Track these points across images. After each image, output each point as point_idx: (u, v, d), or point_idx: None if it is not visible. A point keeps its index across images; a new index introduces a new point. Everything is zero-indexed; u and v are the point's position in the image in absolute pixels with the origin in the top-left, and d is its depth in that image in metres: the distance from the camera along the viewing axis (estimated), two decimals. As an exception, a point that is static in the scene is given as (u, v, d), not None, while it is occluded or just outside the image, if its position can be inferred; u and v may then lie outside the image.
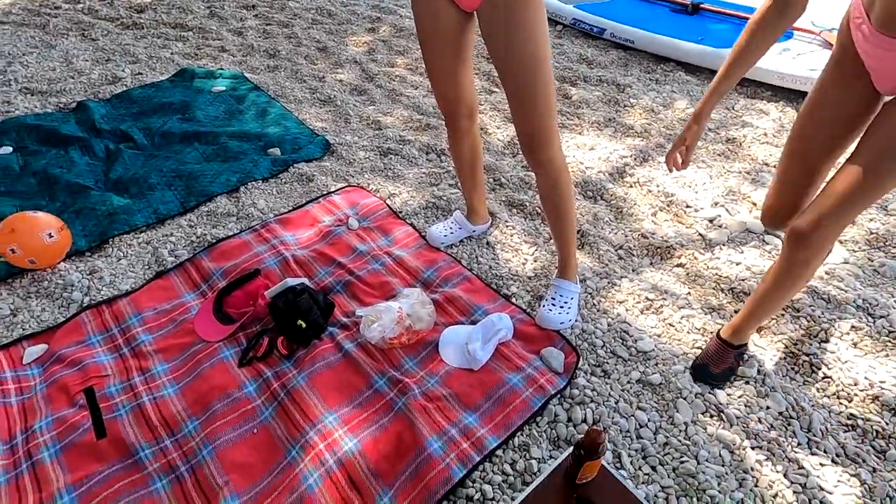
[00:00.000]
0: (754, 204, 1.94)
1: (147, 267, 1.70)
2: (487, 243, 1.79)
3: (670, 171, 1.25)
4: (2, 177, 2.04)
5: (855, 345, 1.45)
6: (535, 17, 1.16)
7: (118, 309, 1.53)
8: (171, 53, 3.06)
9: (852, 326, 1.49)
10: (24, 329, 1.49)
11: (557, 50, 3.20)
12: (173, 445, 1.20)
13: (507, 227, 1.85)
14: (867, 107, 1.08)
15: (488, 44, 1.22)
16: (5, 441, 1.21)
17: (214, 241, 1.77)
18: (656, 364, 1.40)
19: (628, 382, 1.35)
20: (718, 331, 1.38)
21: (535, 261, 1.73)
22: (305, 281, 1.56)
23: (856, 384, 1.34)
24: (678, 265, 1.71)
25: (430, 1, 1.25)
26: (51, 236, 1.61)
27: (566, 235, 1.45)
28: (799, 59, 2.67)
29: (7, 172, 2.06)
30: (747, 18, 3.06)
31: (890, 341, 1.44)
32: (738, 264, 1.69)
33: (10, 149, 2.20)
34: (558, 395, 1.31)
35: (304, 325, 1.40)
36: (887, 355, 1.41)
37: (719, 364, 1.35)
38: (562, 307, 1.48)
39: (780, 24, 1.01)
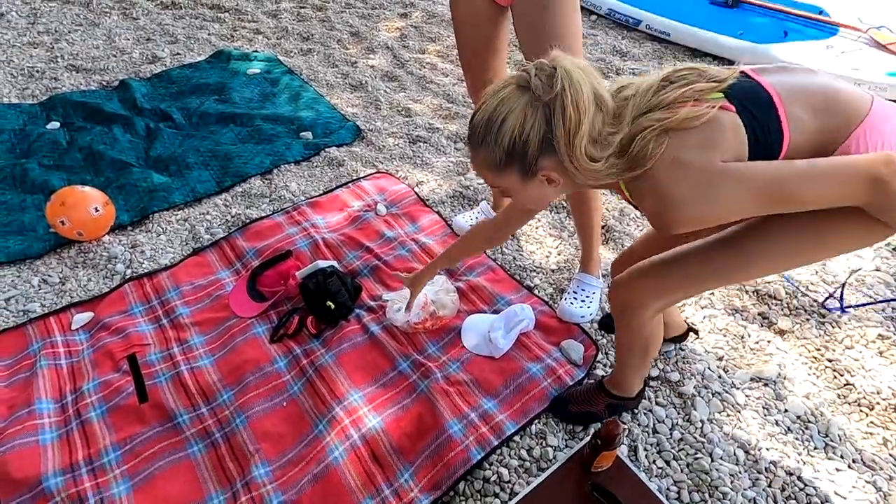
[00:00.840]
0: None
1: (184, 243, 1.78)
2: (512, 235, 1.81)
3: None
4: (50, 151, 2.14)
5: (881, 353, 1.44)
6: (570, 18, 1.17)
7: (158, 282, 1.61)
8: (208, 34, 3.12)
9: (879, 335, 1.47)
10: (71, 297, 1.58)
11: (591, 41, 3.16)
12: (209, 413, 1.28)
13: (532, 219, 1.86)
14: None
15: (520, 39, 1.24)
16: (56, 400, 1.30)
17: (248, 220, 1.84)
18: (676, 362, 1.42)
19: (647, 378, 1.38)
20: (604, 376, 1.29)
21: (559, 254, 1.74)
22: (335, 263, 1.61)
23: (878, 393, 1.34)
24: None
25: None
26: (97, 210, 1.70)
27: (589, 230, 1.46)
28: (843, 58, 2.58)
29: (55, 147, 2.16)
30: (789, 13, 2.98)
31: (917, 351, 1.43)
32: (764, 266, 1.68)
33: (58, 124, 2.29)
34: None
35: (332, 306, 1.46)
36: (913, 365, 1.40)
37: (583, 404, 1.25)
38: (583, 301, 1.50)
39: (496, 237, 1.20)
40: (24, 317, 1.52)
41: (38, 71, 2.70)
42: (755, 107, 0.79)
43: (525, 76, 0.80)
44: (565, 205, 1.92)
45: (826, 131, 0.79)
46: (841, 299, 1.54)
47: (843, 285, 1.55)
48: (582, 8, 3.54)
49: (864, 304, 1.55)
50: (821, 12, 2.98)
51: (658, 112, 0.78)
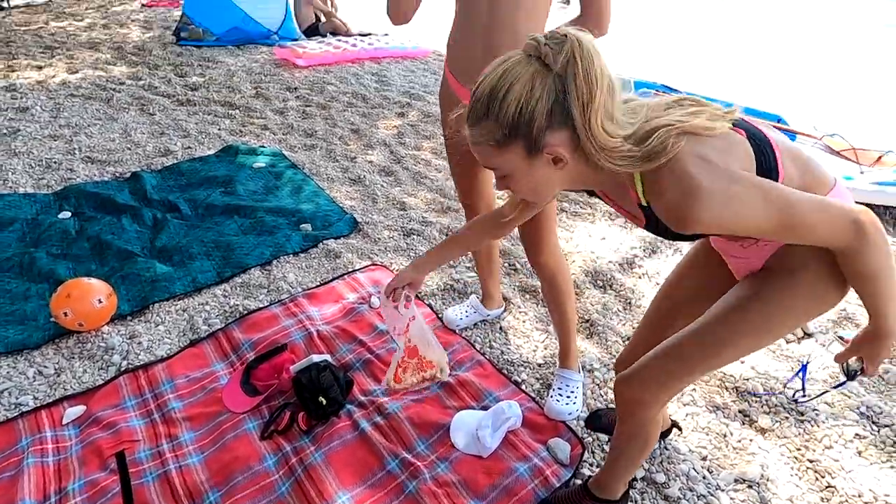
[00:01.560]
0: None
1: (182, 334, 1.83)
2: (500, 328, 1.88)
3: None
4: (59, 240, 2.24)
5: (859, 453, 1.47)
6: None
7: (153, 374, 1.64)
8: (219, 130, 3.37)
9: (856, 434, 1.51)
10: (65, 389, 1.60)
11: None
12: (194, 516, 1.26)
13: (520, 312, 1.95)
14: (730, 285, 1.02)
15: None
16: (39, 501, 1.28)
17: (246, 312, 1.90)
18: (661, 462, 1.44)
19: (633, 479, 1.39)
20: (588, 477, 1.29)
21: (546, 348, 1.81)
22: (328, 357, 1.66)
23: (860, 496, 1.36)
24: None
25: (452, 104, 1.43)
26: (100, 301, 1.76)
27: (564, 326, 1.54)
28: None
29: (65, 236, 2.26)
30: (773, 125, 3.30)
31: (895, 451, 1.47)
32: (742, 363, 1.75)
33: (69, 213, 2.41)
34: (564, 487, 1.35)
35: (324, 401, 1.49)
36: (892, 466, 1.43)
37: None
38: (568, 397, 1.55)
39: (496, 231, 1.17)
40: (16, 410, 1.52)
41: (55, 162, 2.88)
42: (758, 141, 0.82)
43: (533, 44, 0.75)
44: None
45: (805, 188, 0.83)
46: (803, 388, 1.60)
47: (803, 371, 1.62)
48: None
49: (821, 394, 1.60)
50: (779, 120, 3.30)
51: (676, 113, 0.77)
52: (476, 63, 1.26)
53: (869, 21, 9.89)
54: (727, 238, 0.95)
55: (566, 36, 0.74)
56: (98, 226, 2.33)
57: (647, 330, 1.22)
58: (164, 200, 2.55)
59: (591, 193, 1.00)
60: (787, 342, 1.86)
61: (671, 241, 1.06)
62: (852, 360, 0.96)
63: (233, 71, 4.45)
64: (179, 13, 5.67)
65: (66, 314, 1.71)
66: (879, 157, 2.73)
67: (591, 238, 2.42)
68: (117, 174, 2.80)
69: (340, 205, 2.59)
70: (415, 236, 2.39)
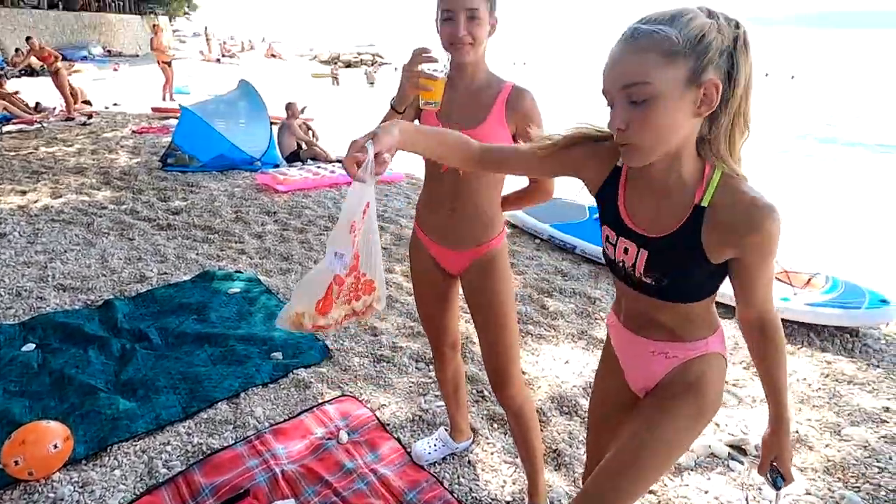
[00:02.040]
0: (717, 425, 2.10)
1: (139, 479, 1.75)
2: (469, 461, 1.88)
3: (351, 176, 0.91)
4: (19, 375, 2.19)
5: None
6: (506, 286, 1.48)
7: (102, 529, 1.54)
8: (197, 255, 3.48)
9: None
10: (2, 551, 1.48)
11: (536, 262, 3.68)
12: None
13: (487, 444, 1.96)
14: (634, 399, 1.10)
15: (468, 300, 1.53)
16: None
17: (209, 451, 1.85)
18: None
19: None
20: None
21: (514, 482, 1.80)
22: (292, 502, 1.61)
23: None
24: (650, 492, 1.79)
25: (422, 259, 1.57)
26: (56, 447, 1.70)
27: (532, 462, 1.57)
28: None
29: (25, 370, 2.21)
30: None
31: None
32: (706, 492, 1.77)
33: (33, 346, 2.39)
34: None
35: (286, 556, 1.42)
36: None
37: None
38: (539, 539, 1.52)
39: (471, 158, 1.05)
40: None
41: (26, 290, 2.89)
42: None
43: (704, 6, 0.79)
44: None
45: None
46: None
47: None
48: (526, 233, 4.19)
49: None
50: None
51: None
52: (443, 224, 1.45)
53: (782, 132, 11.34)
54: (667, 339, 0.99)
55: (739, 22, 0.79)
56: (63, 358, 2.30)
57: (593, 443, 1.24)
58: (134, 329, 2.55)
59: (601, 194, 0.98)
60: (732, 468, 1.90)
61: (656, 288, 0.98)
62: (771, 470, 1.04)
63: (215, 195, 4.70)
64: (168, 139, 6.08)
65: (17, 462, 1.63)
66: (809, 280, 3.02)
67: (556, 361, 2.51)
68: (89, 302, 2.82)
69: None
70: (385, 363, 2.43)
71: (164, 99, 10.18)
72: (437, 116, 1.37)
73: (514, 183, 1.46)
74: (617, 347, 1.12)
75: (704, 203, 0.85)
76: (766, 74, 27.95)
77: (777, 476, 1.04)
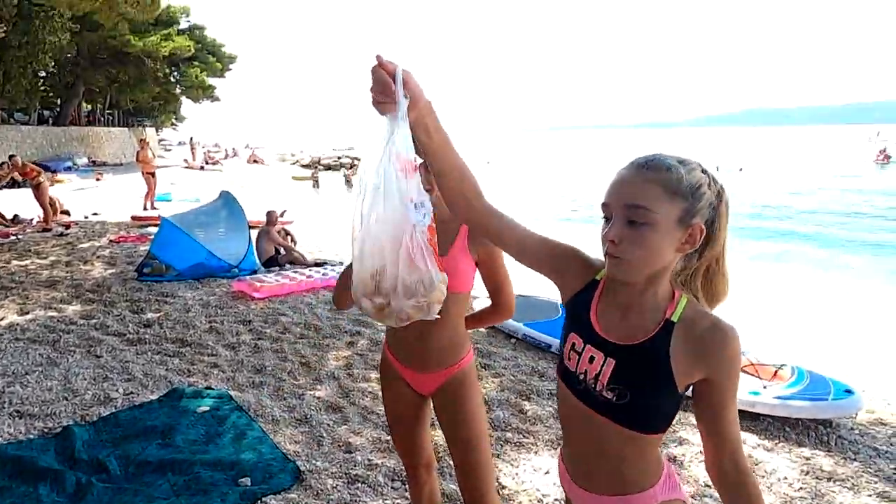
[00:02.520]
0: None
1: None
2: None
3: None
4: (-42, 522, 2.01)
5: None
6: (476, 406, 1.51)
7: None
8: (166, 370, 3.39)
9: None
10: None
11: (513, 363, 3.69)
12: None
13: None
14: None
15: (440, 420, 1.54)
16: None
17: None
18: None
19: None
20: None
21: None
22: None
23: None
24: None
25: (393, 380, 1.59)
26: None
27: None
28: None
29: (-35, 516, 2.04)
30: None
31: None
32: None
33: (-21, 485, 2.22)
34: None
35: None
36: None
37: None
38: None
39: (474, 202, 1.02)
40: None
41: (-22, 420, 2.74)
42: None
43: (701, 165, 0.93)
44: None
45: None
46: None
47: None
48: (502, 333, 4.25)
49: None
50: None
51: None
52: (411, 348, 1.51)
53: (738, 221, 12.06)
54: (617, 492, 0.99)
55: (722, 186, 0.93)
56: (10, 498, 2.13)
57: None
58: (92, 460, 2.41)
59: (585, 296, 1.00)
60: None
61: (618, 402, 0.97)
62: None
63: (189, 305, 4.67)
64: (146, 248, 6.14)
65: None
66: (776, 372, 3.10)
67: (536, 472, 2.44)
68: (46, 430, 2.67)
69: (284, 450, 2.54)
70: (360, 484, 2.33)
71: (145, 208, 10.41)
72: None
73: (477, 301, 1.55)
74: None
75: (674, 318, 0.91)
76: (717, 168, 30.40)
77: None
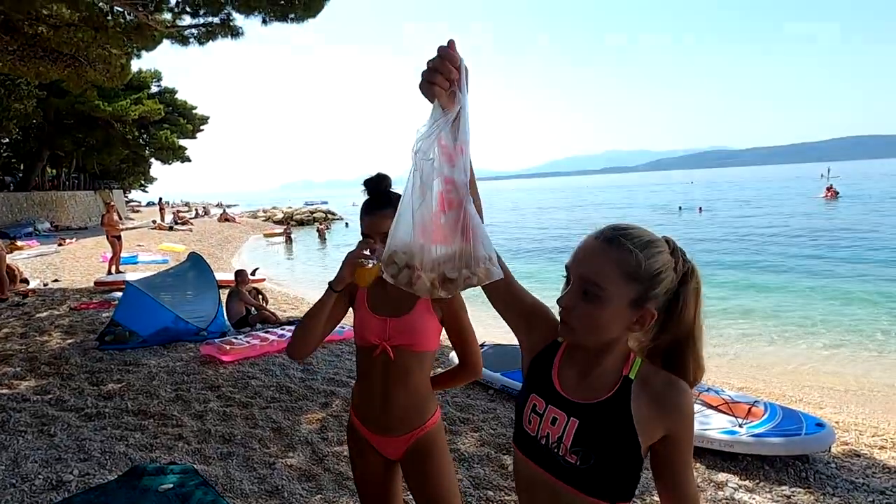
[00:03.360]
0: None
1: None
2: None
3: None
4: None
5: None
6: (446, 467, 1.47)
7: None
8: (127, 446, 3.19)
9: None
10: None
11: (491, 415, 3.63)
12: None
13: None
14: None
15: (409, 485, 1.49)
16: None
17: None
18: None
19: None
20: None
21: None
22: None
23: None
24: None
25: (360, 445, 1.54)
26: None
27: None
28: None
29: None
30: None
31: None
32: None
33: None
34: None
35: None
36: None
37: None
38: None
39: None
40: None
41: (-88, 517, 2.49)
42: None
43: (671, 243, 0.93)
44: None
45: None
46: None
47: None
48: (479, 384, 4.19)
49: None
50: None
51: None
52: (377, 413, 1.48)
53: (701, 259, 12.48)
54: None
55: (694, 266, 0.94)
56: None
57: None
58: (39, 554, 2.21)
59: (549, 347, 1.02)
60: None
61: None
62: None
63: (154, 373, 4.47)
64: (109, 314, 5.91)
65: None
66: (750, 409, 3.14)
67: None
68: (-11, 523, 2.45)
69: (253, 527, 2.39)
70: (335, 559, 2.19)
71: (109, 272, 10.11)
72: (367, 307, 1.49)
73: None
74: None
75: (631, 375, 0.93)
76: (680, 208, 31.83)
77: None
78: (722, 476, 2.79)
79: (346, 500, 2.62)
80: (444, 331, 1.51)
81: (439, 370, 1.62)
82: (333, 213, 35.02)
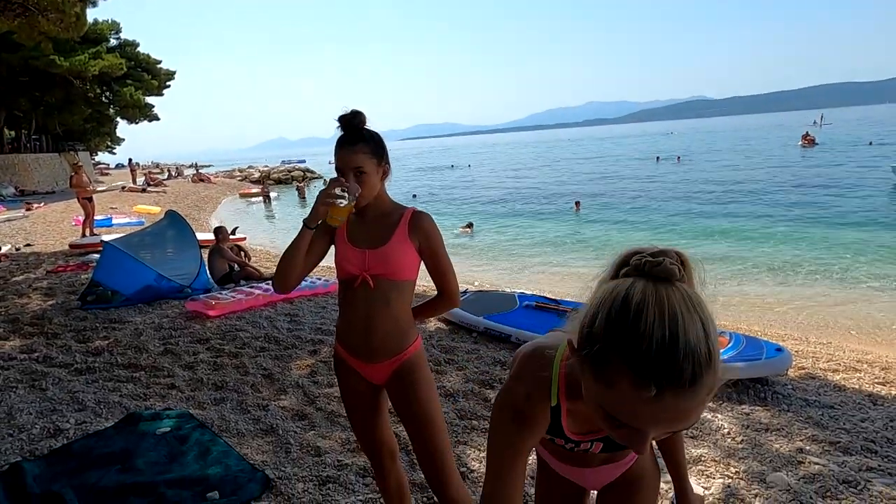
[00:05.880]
0: None
1: None
2: None
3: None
4: None
5: None
6: (428, 391, 1.57)
7: None
8: (120, 396, 3.27)
9: None
10: None
11: (475, 355, 3.79)
12: None
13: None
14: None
15: (396, 409, 1.59)
16: None
17: None
18: None
19: None
20: None
21: (474, 593, 1.75)
22: None
23: None
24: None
25: (347, 374, 1.62)
26: None
27: None
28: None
29: None
30: None
31: None
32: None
33: (-81, 533, 2.09)
34: None
35: None
36: None
37: None
38: None
39: None
40: None
41: (-87, 467, 2.55)
42: None
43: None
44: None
45: None
46: None
47: None
48: (463, 328, 4.34)
49: None
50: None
51: None
52: (360, 339, 1.55)
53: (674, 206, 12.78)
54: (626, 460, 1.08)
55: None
56: (-44, 542, 2.02)
57: None
58: (46, 493, 2.31)
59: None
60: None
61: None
62: None
63: (140, 330, 4.50)
64: (88, 276, 5.85)
65: None
66: (715, 338, 3.36)
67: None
68: (-9, 469, 2.53)
69: (252, 461, 2.52)
70: (331, 484, 2.34)
71: (83, 235, 9.88)
72: (347, 240, 1.54)
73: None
74: (578, 478, 1.14)
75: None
76: (658, 158, 32.00)
77: None
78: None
79: (339, 434, 2.76)
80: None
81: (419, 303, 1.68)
82: (312, 172, 34.33)
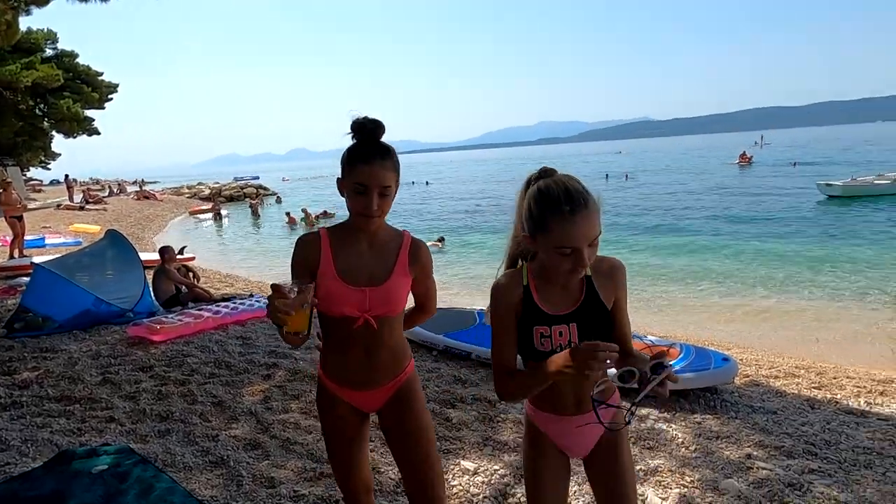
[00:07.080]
0: None
1: None
2: None
3: None
4: None
5: None
6: (424, 406, 1.54)
7: None
8: (51, 433, 3.00)
9: None
10: None
11: (435, 374, 3.75)
12: None
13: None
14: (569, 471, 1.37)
15: (391, 431, 1.52)
16: None
17: None
18: None
19: None
20: None
21: None
22: None
23: None
24: None
25: (335, 408, 1.50)
26: None
27: None
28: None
29: None
30: None
31: None
32: None
33: None
34: None
35: None
36: None
37: None
38: None
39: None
40: None
41: None
42: None
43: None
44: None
45: None
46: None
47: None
48: (422, 346, 4.29)
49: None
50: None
51: None
52: (357, 368, 1.45)
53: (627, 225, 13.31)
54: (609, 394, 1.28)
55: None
56: None
57: None
58: (-41, 547, 2.07)
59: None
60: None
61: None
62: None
63: (76, 359, 4.17)
64: (16, 301, 5.40)
65: None
66: (668, 350, 3.47)
67: (465, 475, 2.49)
68: None
69: (200, 497, 2.36)
70: (286, 518, 2.23)
71: (11, 256, 9.15)
72: (343, 281, 1.38)
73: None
74: (558, 437, 1.32)
75: (589, 273, 1.26)
76: (607, 176, 33.35)
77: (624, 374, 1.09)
78: (644, 411, 3.09)
79: (294, 462, 2.64)
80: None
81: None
82: (266, 189, 33.48)
